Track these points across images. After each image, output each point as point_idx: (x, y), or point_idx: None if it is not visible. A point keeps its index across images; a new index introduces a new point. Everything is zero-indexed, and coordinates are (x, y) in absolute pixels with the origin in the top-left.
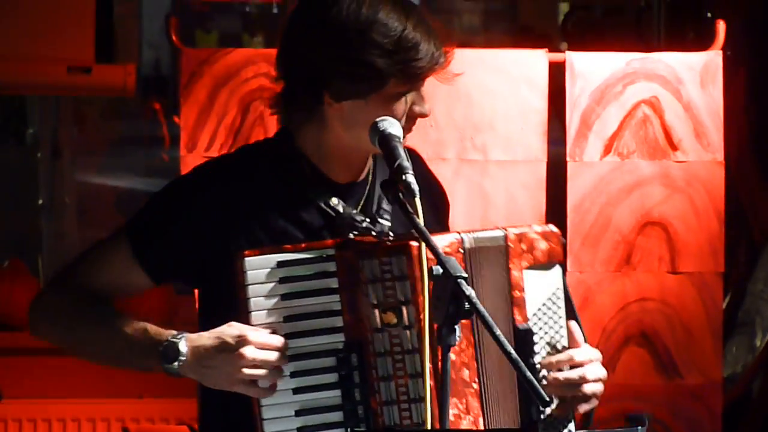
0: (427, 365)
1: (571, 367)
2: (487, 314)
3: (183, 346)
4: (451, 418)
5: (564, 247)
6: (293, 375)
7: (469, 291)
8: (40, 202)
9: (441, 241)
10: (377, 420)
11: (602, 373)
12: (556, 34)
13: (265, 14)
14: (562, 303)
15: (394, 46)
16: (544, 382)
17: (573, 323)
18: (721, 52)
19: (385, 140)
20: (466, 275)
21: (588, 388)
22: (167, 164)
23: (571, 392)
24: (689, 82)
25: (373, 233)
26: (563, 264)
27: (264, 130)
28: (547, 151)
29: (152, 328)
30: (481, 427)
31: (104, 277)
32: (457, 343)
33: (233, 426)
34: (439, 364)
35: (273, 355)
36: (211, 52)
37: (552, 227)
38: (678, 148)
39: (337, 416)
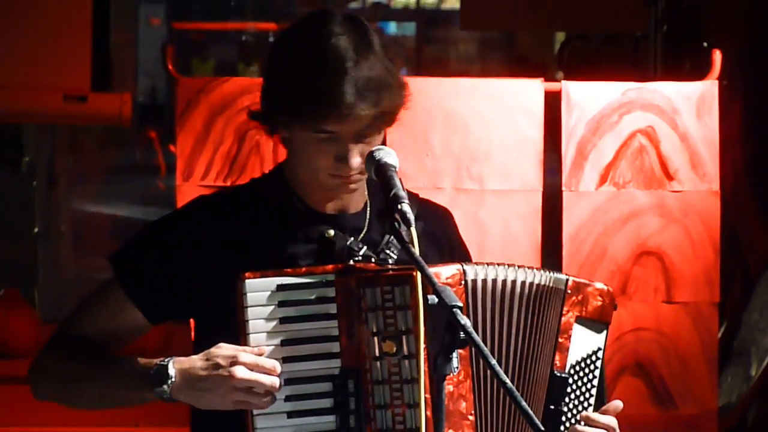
0: (423, 395)
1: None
2: (482, 344)
3: (171, 369)
4: None
5: (615, 308)
6: (288, 399)
7: (464, 320)
8: (36, 230)
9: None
10: None
11: None
12: (552, 64)
13: (261, 43)
14: (599, 364)
15: (282, 85)
16: (571, 425)
17: (617, 401)
18: (717, 82)
19: (381, 170)
20: (461, 305)
21: None
22: (163, 192)
23: None
24: (685, 111)
25: (374, 260)
26: (608, 326)
27: (260, 159)
28: (543, 180)
29: (142, 360)
30: None
31: (98, 323)
32: (453, 373)
33: None
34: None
35: (265, 378)
36: (207, 81)
37: (607, 287)
38: (674, 178)
39: None
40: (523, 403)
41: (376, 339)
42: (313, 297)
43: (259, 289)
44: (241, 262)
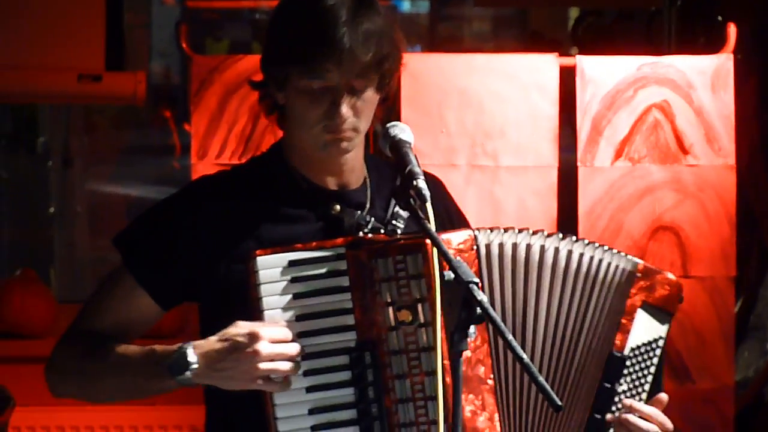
0: (441, 362)
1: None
2: (499, 320)
3: (192, 355)
4: (468, 414)
5: (681, 301)
6: (306, 374)
7: (481, 296)
8: (51, 210)
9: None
10: (391, 418)
11: None
12: (566, 40)
13: None
14: (659, 353)
15: (279, 34)
16: (618, 413)
17: (663, 394)
18: (732, 56)
19: (396, 146)
20: (477, 280)
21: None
22: (178, 172)
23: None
24: (700, 86)
25: (383, 231)
26: (673, 316)
27: (275, 137)
28: (558, 156)
29: (159, 347)
30: (497, 423)
31: (111, 315)
32: (469, 345)
33: (240, 428)
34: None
35: (288, 348)
36: (221, 60)
37: (675, 279)
38: (689, 152)
39: (350, 414)
40: (540, 378)
41: (390, 309)
42: (325, 271)
43: (270, 266)
44: (249, 241)
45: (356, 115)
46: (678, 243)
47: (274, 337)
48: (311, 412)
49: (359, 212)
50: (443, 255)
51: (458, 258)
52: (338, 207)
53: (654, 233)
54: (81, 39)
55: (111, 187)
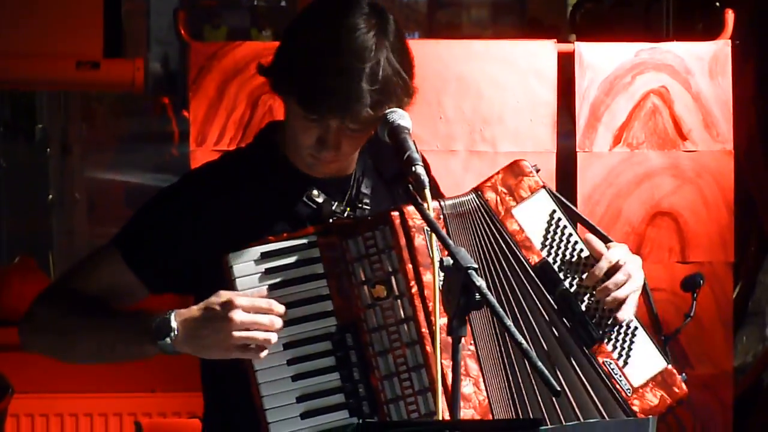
0: (438, 352)
1: (613, 270)
2: (497, 305)
3: (173, 321)
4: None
5: (537, 171)
6: (290, 362)
7: (480, 282)
8: (50, 198)
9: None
10: (378, 396)
11: (638, 259)
12: (564, 26)
13: (274, 8)
14: (564, 221)
15: (296, 71)
16: (584, 305)
17: (589, 235)
18: (729, 42)
19: (394, 132)
20: (476, 266)
21: (624, 292)
22: (177, 159)
23: (626, 291)
24: (698, 72)
25: (352, 217)
26: (546, 187)
27: None
28: (556, 142)
29: (142, 313)
30: (483, 388)
31: (96, 286)
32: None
33: (234, 417)
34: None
35: (263, 317)
36: (220, 46)
37: (515, 162)
38: (687, 138)
39: (338, 398)
40: (539, 363)
41: (365, 287)
42: (297, 260)
43: (244, 260)
44: (233, 234)
45: (344, 148)
46: (676, 229)
47: (249, 304)
48: (299, 399)
49: (336, 202)
50: (442, 241)
51: (425, 229)
52: (316, 192)
53: (652, 219)
54: (79, 26)
55: (109, 174)
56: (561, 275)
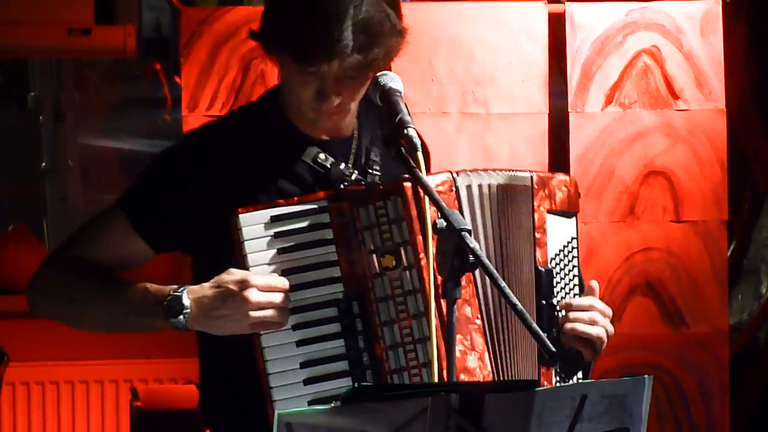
0: (433, 306)
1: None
2: (491, 267)
3: (186, 299)
4: (458, 354)
5: (580, 197)
6: (295, 328)
7: (473, 244)
8: (43, 165)
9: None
10: (383, 365)
11: (611, 327)
12: None
13: None
14: (576, 253)
15: (283, 26)
16: (560, 316)
17: (593, 281)
18: (720, 1)
19: (386, 95)
20: (470, 228)
21: (594, 331)
22: (169, 125)
23: (580, 330)
24: (689, 30)
25: (363, 183)
26: (577, 215)
27: (265, 88)
28: (548, 103)
29: (153, 286)
30: (487, 363)
31: (102, 249)
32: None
33: (234, 383)
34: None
35: (277, 296)
36: (211, 11)
37: (570, 177)
38: (679, 97)
39: (342, 365)
40: (534, 325)
41: (374, 256)
42: (308, 224)
43: (253, 223)
44: (239, 194)
45: (344, 98)
46: (670, 187)
47: (264, 284)
48: (303, 365)
49: (343, 164)
50: (435, 203)
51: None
52: (323, 156)
53: (645, 178)
54: None
55: (103, 140)
56: (555, 291)
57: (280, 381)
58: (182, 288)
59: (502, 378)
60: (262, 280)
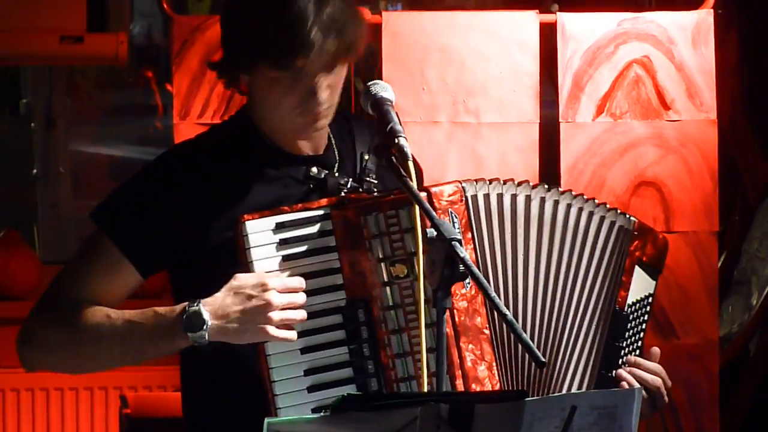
0: (423, 319)
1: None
2: (481, 276)
3: (205, 313)
4: (468, 363)
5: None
6: (300, 335)
7: (464, 253)
8: (35, 172)
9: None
10: (388, 373)
11: (666, 398)
12: None
13: None
14: (649, 309)
15: (244, 26)
16: (623, 369)
17: (655, 348)
18: (712, 11)
19: (377, 104)
20: (460, 237)
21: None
22: (160, 132)
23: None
24: (681, 41)
25: (361, 190)
26: (660, 274)
27: None
28: (539, 113)
29: (162, 309)
30: (495, 372)
31: (90, 285)
32: (464, 296)
33: (223, 393)
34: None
35: (297, 297)
36: (203, 20)
37: (664, 237)
38: (671, 107)
39: (346, 373)
40: (524, 335)
41: (383, 265)
42: (312, 232)
43: (259, 230)
44: (237, 206)
45: (332, 93)
46: (660, 198)
47: (282, 285)
48: (307, 372)
49: (336, 173)
50: (426, 212)
51: (450, 210)
52: (315, 169)
53: (636, 189)
54: (62, 0)
55: (94, 147)
56: (625, 336)
57: (285, 388)
58: (196, 302)
59: (510, 387)
60: (279, 281)
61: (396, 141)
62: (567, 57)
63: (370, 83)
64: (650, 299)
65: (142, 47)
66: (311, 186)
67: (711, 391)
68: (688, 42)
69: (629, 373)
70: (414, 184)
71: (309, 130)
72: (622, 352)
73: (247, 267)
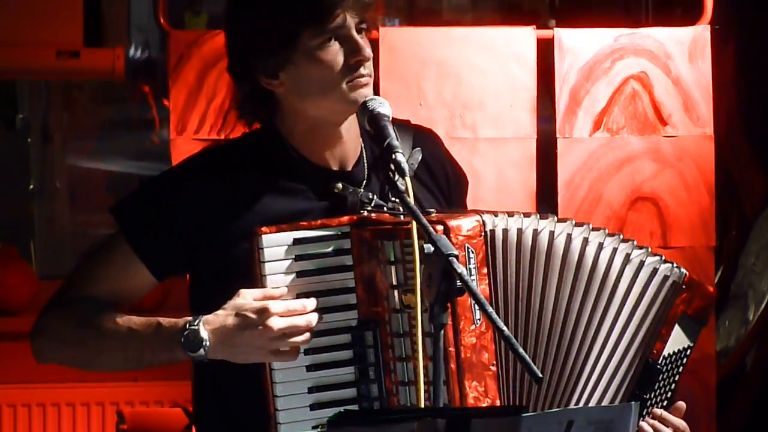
0: (420, 339)
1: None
2: (478, 292)
3: (203, 332)
4: (471, 401)
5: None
6: (307, 352)
7: (461, 269)
8: (32, 186)
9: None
10: (391, 399)
11: None
12: (544, 11)
13: None
14: (685, 362)
15: (281, 10)
16: (646, 420)
17: (681, 402)
18: (709, 27)
19: (374, 120)
20: (457, 253)
21: None
22: (157, 147)
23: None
24: (678, 56)
25: (386, 210)
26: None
27: None
28: (536, 128)
29: (165, 320)
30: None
31: (105, 283)
32: (474, 331)
33: (230, 408)
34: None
35: (299, 320)
36: (199, 34)
37: (712, 291)
38: (668, 122)
39: (350, 393)
40: (521, 350)
41: (396, 292)
42: (329, 249)
43: (275, 244)
44: (253, 216)
45: (369, 58)
46: (657, 213)
47: (284, 309)
48: (311, 390)
49: (361, 190)
50: (423, 228)
51: (467, 245)
52: (340, 185)
53: (633, 203)
54: (59, 15)
55: (91, 162)
56: (654, 388)
57: (287, 404)
58: (197, 320)
59: None
60: (281, 306)
61: (393, 157)
62: (564, 72)
63: (367, 98)
64: (688, 351)
65: (138, 62)
66: (332, 202)
67: (708, 405)
68: (684, 57)
69: (651, 426)
70: (412, 200)
71: (359, 96)
72: (648, 403)
73: (260, 280)
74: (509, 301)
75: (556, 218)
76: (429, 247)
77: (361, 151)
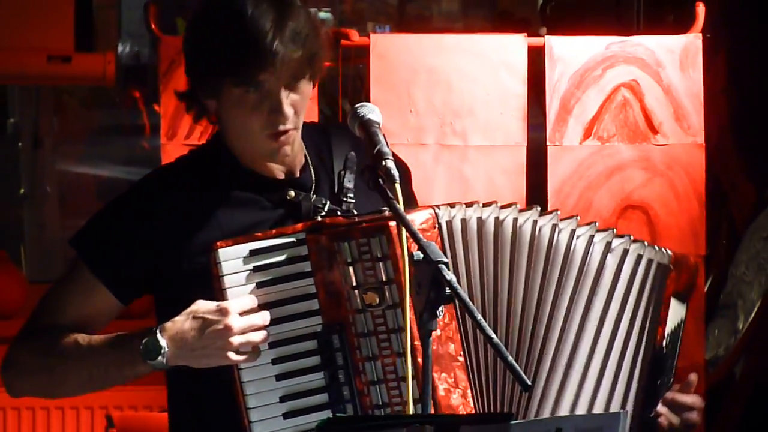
0: (409, 343)
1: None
2: (467, 299)
3: (161, 339)
4: (441, 393)
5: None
6: (275, 362)
7: (450, 276)
8: (22, 191)
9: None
10: (363, 400)
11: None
12: (534, 19)
13: None
14: (680, 334)
15: (206, 47)
16: (660, 406)
17: (693, 374)
18: (700, 35)
19: (365, 126)
20: (446, 260)
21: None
22: (148, 152)
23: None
24: (669, 65)
25: (339, 213)
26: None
27: None
28: (527, 135)
29: (123, 334)
30: (470, 399)
31: (70, 311)
32: (438, 324)
33: (204, 422)
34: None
35: (257, 318)
36: None
37: (696, 261)
38: (658, 131)
39: (322, 398)
40: (510, 357)
41: (356, 292)
42: (286, 258)
43: (232, 257)
44: (211, 231)
45: (296, 112)
46: (647, 221)
47: (241, 308)
48: (282, 399)
49: (314, 196)
50: (412, 235)
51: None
52: (293, 192)
53: (623, 212)
54: (50, 20)
55: (81, 167)
56: (663, 373)
57: (260, 415)
58: (155, 329)
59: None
60: (237, 304)
61: (383, 163)
62: (555, 80)
63: (357, 105)
64: (682, 325)
65: (129, 67)
66: (287, 210)
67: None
68: (676, 65)
69: (665, 413)
70: (401, 207)
71: (277, 156)
72: (661, 388)
73: (221, 294)
74: (473, 290)
75: (518, 206)
76: (418, 254)
77: (305, 155)
